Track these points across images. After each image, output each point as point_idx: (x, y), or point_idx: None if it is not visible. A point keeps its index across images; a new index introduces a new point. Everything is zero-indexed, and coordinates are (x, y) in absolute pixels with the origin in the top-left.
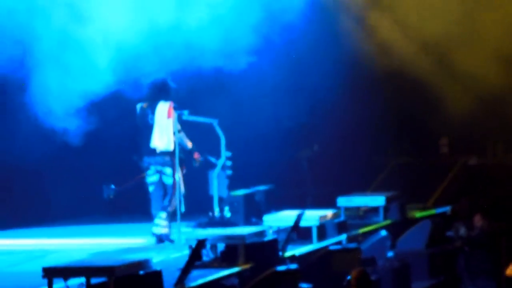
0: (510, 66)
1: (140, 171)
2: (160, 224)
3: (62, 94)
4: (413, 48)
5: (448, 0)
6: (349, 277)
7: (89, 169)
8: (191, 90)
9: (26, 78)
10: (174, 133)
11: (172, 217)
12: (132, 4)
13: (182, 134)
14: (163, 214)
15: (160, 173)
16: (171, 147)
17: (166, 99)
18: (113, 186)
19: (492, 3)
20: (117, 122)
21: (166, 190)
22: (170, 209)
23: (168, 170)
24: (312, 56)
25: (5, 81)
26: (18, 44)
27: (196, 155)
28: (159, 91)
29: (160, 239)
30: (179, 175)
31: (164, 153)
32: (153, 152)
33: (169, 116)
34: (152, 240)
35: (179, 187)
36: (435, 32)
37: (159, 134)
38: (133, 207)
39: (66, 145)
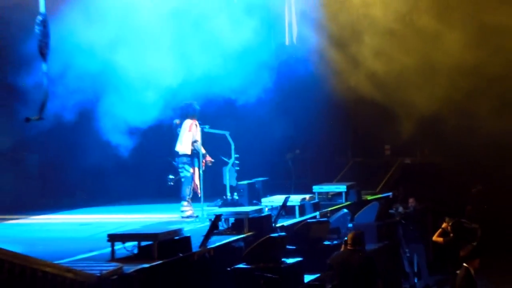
0: (437, 98)
1: (175, 168)
2: (184, 209)
3: (119, 121)
4: (368, 82)
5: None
6: (346, 238)
7: (142, 168)
8: (213, 111)
9: (95, 106)
10: (192, 143)
11: (192, 200)
12: (173, 57)
13: (199, 144)
14: (184, 202)
15: (183, 169)
16: (187, 151)
17: (191, 117)
18: (171, 176)
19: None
20: (158, 136)
21: (185, 182)
22: (188, 197)
23: (187, 167)
24: (296, 89)
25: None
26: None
27: (208, 158)
28: (187, 112)
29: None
30: (194, 171)
31: (183, 155)
32: (177, 154)
33: (189, 130)
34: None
35: (192, 180)
36: (387, 70)
37: (180, 142)
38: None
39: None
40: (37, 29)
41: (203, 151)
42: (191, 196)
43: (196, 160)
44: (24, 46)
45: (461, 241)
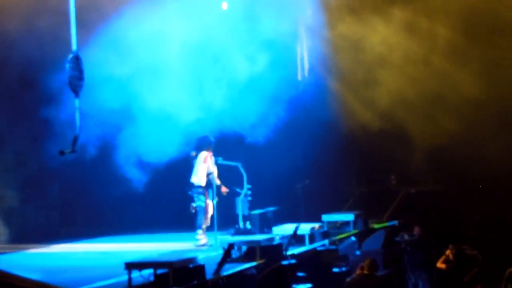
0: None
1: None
2: (199, 238)
3: (137, 154)
4: (375, 114)
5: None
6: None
7: (159, 198)
8: (225, 143)
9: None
10: (207, 174)
11: (206, 229)
12: (191, 91)
13: (214, 175)
14: (199, 231)
15: (197, 199)
16: (202, 183)
17: (206, 149)
18: (194, 205)
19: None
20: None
21: (200, 212)
22: (203, 226)
23: (202, 197)
24: (305, 122)
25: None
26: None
27: (223, 189)
28: (202, 144)
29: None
30: (208, 202)
31: (198, 186)
32: (192, 185)
33: (204, 162)
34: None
35: (206, 210)
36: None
37: (195, 173)
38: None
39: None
40: (67, 66)
41: (218, 182)
42: (205, 225)
43: (210, 191)
44: (54, 81)
45: (463, 268)
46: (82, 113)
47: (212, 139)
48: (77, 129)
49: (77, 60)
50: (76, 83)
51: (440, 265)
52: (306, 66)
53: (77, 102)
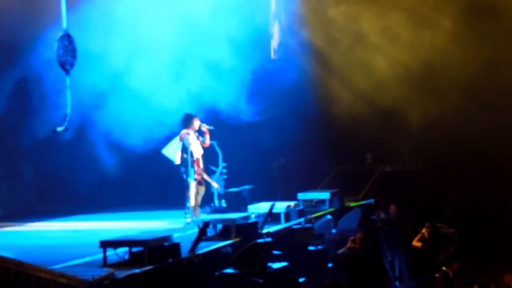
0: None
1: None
2: (186, 216)
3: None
4: (350, 93)
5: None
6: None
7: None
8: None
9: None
10: (185, 151)
11: (194, 208)
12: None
13: (191, 154)
14: (187, 209)
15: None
16: (175, 160)
17: (186, 127)
18: None
19: None
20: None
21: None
22: (188, 204)
23: (184, 176)
24: (281, 100)
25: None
26: None
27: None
28: (183, 122)
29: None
30: (190, 181)
31: (179, 165)
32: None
33: (180, 140)
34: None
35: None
36: (368, 81)
37: (166, 147)
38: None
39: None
40: (57, 44)
41: (193, 157)
42: (193, 203)
43: (190, 169)
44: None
45: (438, 246)
46: (58, 90)
47: (190, 116)
48: (68, 107)
49: (68, 38)
50: (67, 61)
51: (415, 243)
52: (276, 42)
53: (68, 80)
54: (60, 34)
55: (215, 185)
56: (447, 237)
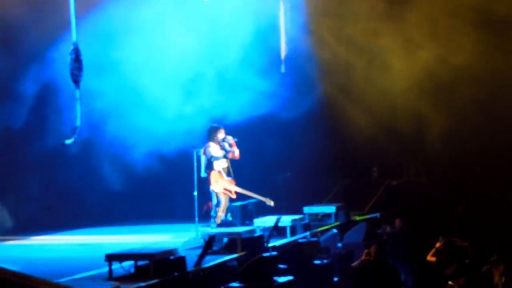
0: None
1: None
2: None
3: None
4: (357, 108)
5: None
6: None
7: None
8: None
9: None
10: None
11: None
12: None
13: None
14: (212, 219)
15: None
16: (202, 175)
17: (210, 140)
18: None
19: None
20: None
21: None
22: (216, 216)
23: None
24: (285, 115)
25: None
26: None
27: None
28: (206, 135)
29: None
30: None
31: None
32: None
33: (202, 153)
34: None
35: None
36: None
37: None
38: None
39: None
40: (69, 57)
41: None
42: (218, 216)
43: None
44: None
45: (453, 260)
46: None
47: (214, 127)
48: (78, 120)
49: (76, 51)
50: (77, 73)
51: (430, 258)
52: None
53: (77, 93)
54: (72, 47)
55: (263, 199)
56: (461, 250)
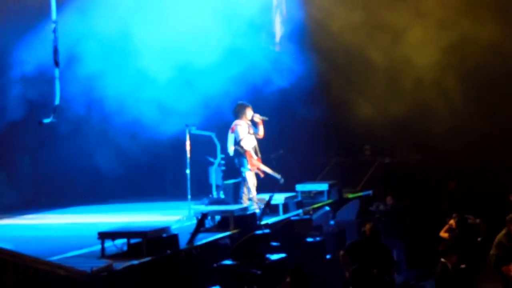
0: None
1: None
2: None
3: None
4: (349, 86)
5: None
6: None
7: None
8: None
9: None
10: (236, 143)
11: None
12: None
13: (242, 143)
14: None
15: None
16: (230, 153)
17: (238, 118)
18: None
19: None
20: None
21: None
22: (243, 196)
23: (238, 168)
24: (280, 91)
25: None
26: None
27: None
28: (233, 113)
29: None
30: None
31: (232, 157)
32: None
33: (231, 132)
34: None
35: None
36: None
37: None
38: None
39: None
40: (52, 36)
41: (244, 149)
42: (247, 196)
43: (243, 160)
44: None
45: (466, 237)
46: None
47: (243, 104)
48: (57, 99)
49: (54, 30)
50: (55, 52)
51: (443, 234)
52: (278, 35)
53: (57, 71)
54: (53, 25)
55: (276, 175)
56: (474, 227)
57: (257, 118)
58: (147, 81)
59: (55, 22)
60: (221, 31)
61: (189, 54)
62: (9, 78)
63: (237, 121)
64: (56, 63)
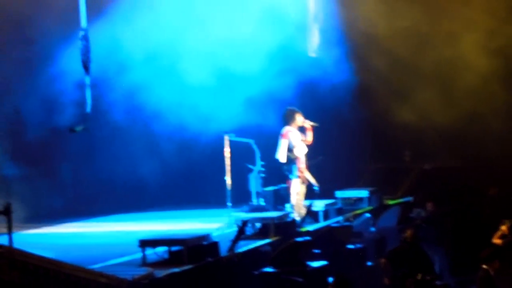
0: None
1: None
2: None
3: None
4: (388, 92)
5: None
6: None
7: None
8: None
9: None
10: (289, 150)
11: (297, 208)
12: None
13: (296, 149)
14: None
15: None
16: (282, 159)
17: (288, 123)
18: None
19: None
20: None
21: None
22: (293, 203)
23: (289, 175)
24: (318, 97)
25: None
26: None
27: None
28: (284, 119)
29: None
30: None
31: (282, 164)
32: (279, 162)
33: (284, 138)
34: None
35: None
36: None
37: (277, 150)
38: None
39: None
40: (80, 43)
41: (295, 155)
42: (296, 203)
43: (293, 167)
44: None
45: None
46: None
47: (293, 110)
48: (88, 106)
49: (85, 37)
50: (87, 60)
51: (496, 240)
52: (316, 41)
53: (87, 79)
54: (82, 33)
55: (315, 183)
56: None
57: (308, 124)
58: (188, 88)
59: (84, 30)
60: (261, 38)
61: (229, 60)
62: (58, 85)
63: (288, 127)
64: (86, 70)
